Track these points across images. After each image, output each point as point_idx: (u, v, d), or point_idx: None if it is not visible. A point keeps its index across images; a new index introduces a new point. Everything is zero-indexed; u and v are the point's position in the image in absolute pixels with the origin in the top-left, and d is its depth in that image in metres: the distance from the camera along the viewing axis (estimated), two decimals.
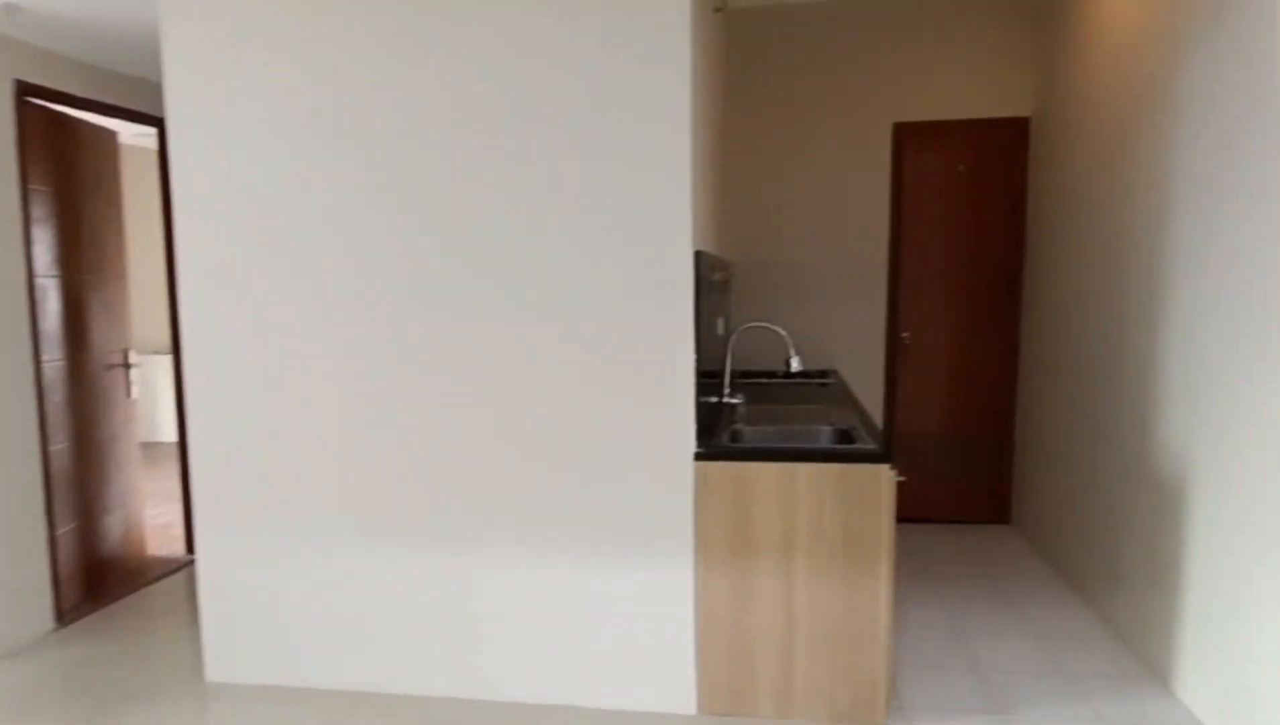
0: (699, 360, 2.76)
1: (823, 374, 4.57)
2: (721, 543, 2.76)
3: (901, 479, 2.68)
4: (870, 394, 4.92)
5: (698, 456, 2.74)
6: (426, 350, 2.83)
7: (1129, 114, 3.37)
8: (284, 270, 2.88)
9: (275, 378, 2.93)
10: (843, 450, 2.73)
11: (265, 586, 3.00)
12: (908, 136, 4.73)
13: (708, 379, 3.04)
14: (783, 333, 3.05)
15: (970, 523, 4.92)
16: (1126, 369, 3.36)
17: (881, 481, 2.66)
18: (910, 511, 4.91)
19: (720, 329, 3.62)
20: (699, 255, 2.73)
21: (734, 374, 4.61)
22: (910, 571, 4.15)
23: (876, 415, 4.92)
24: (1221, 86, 2.65)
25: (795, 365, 3.00)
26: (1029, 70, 4.60)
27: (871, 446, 2.75)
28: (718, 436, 2.92)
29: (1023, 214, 4.67)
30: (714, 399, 3.11)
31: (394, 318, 2.83)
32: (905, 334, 4.82)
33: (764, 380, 4.45)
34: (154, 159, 5.01)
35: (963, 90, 4.66)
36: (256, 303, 2.91)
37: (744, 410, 3.37)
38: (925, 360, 4.85)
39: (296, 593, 2.99)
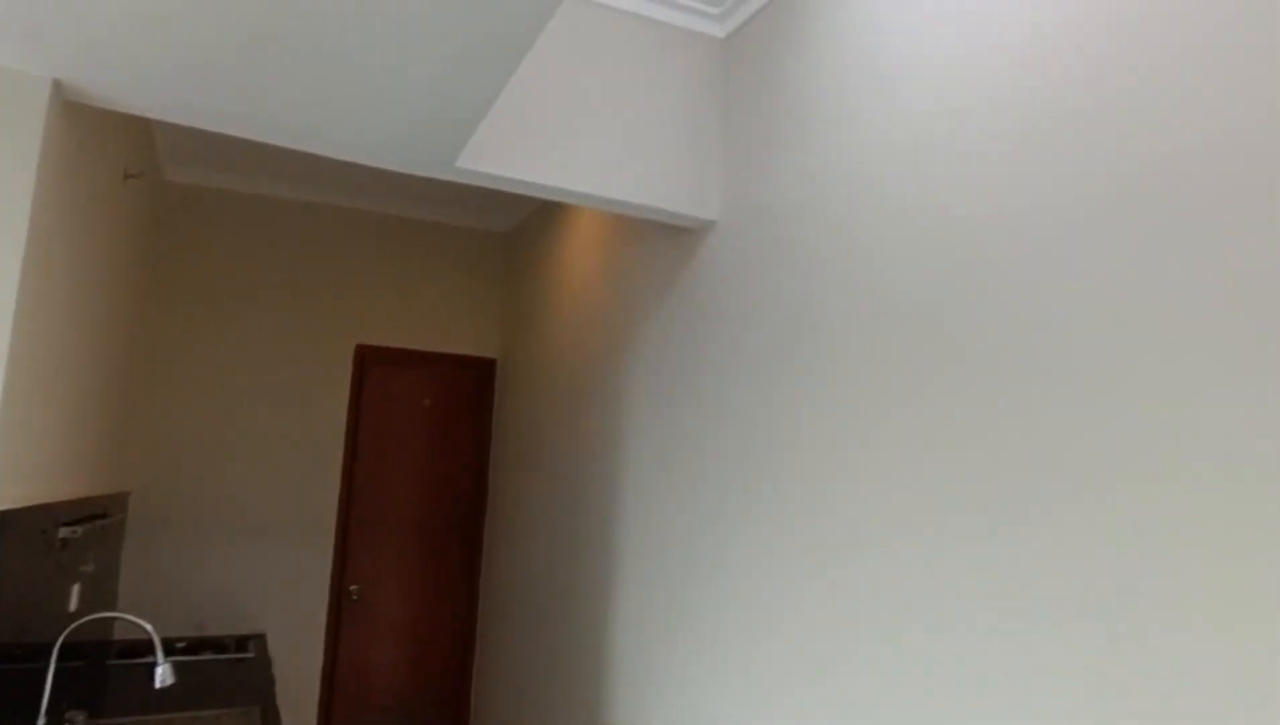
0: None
1: (242, 644, 3.60)
2: None
3: None
4: (308, 661, 4.06)
5: None
6: None
7: (592, 363, 3.38)
8: None
9: None
10: None
11: None
12: (372, 361, 4.30)
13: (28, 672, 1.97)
14: (148, 627, 2.16)
15: None
16: (581, 640, 3.13)
17: None
18: None
19: (74, 604, 2.55)
20: None
21: (119, 648, 3.39)
22: None
23: (313, 689, 4.05)
24: (667, 341, 2.72)
25: (162, 677, 2.10)
26: (496, 315, 4.60)
27: None
28: None
29: (488, 458, 4.48)
30: None
31: None
32: (354, 587, 4.14)
33: (177, 659, 3.32)
34: None
35: (432, 323, 4.45)
36: None
37: None
38: (377, 617, 4.19)
39: None
